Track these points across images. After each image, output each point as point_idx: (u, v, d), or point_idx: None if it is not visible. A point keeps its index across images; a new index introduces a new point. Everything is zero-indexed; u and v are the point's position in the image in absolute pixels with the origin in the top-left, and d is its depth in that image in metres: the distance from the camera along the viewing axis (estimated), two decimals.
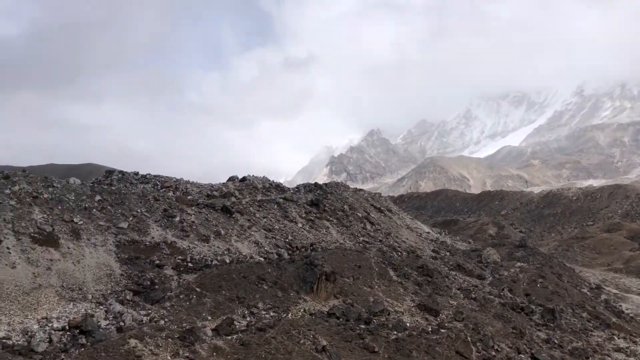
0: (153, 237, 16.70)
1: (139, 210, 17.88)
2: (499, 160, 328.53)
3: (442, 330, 14.47)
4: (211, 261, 16.67)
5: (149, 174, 23.76)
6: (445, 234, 37.76)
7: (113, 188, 19.38)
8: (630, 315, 22.38)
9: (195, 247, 17.29)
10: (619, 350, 16.89)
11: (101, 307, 12.81)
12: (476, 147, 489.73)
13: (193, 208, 20.21)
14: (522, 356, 14.69)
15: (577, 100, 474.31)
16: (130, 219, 17.12)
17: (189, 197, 21.55)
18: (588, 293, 24.57)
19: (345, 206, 28.07)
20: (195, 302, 13.59)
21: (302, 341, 11.72)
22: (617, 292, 28.04)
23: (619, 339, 18.30)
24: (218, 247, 18.06)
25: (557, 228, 55.47)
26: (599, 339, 17.85)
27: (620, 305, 24.06)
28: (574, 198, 62.18)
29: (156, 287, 14.29)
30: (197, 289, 14.19)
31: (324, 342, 11.88)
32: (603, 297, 24.89)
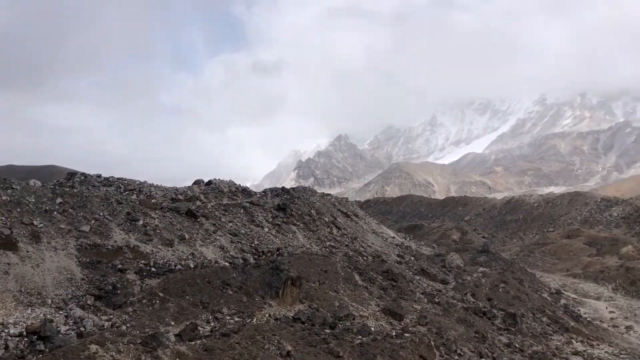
0: (115, 241, 16.41)
1: (101, 214, 17.55)
2: (463, 167, 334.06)
3: (406, 335, 14.58)
4: (175, 266, 16.46)
5: (112, 177, 23.36)
6: (410, 238, 38.09)
7: (75, 190, 18.97)
8: (588, 319, 22.95)
9: (158, 252, 17.04)
10: (576, 353, 17.28)
11: (61, 312, 12.52)
12: (441, 153, 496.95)
13: (157, 212, 19.93)
14: None
15: (539, 108, 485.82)
16: (92, 222, 16.79)
17: (152, 201, 21.25)
18: (548, 298, 25.09)
19: (312, 211, 28.09)
20: (158, 307, 13.39)
21: (266, 346, 11.65)
22: (576, 296, 28.73)
23: (576, 342, 18.73)
24: (182, 251, 17.84)
25: (518, 234, 56.42)
26: (558, 343, 18.25)
27: (579, 310, 24.65)
28: (535, 204, 63.40)
29: (118, 291, 14.04)
30: (160, 294, 13.99)
31: (289, 347, 11.83)
32: (562, 301, 25.46)
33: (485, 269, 26.09)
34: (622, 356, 17.66)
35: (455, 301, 20.44)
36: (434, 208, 78.21)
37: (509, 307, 20.54)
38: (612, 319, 24.27)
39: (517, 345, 16.78)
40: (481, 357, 14.97)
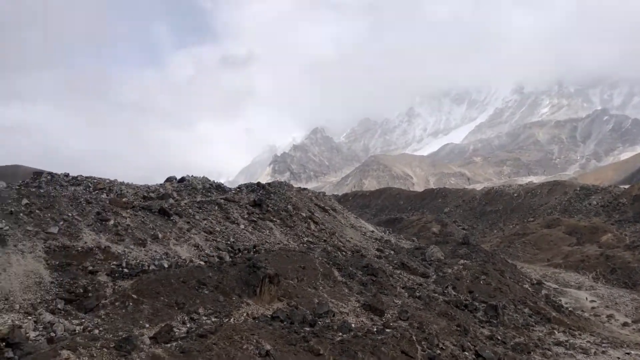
0: (85, 242, 15.89)
1: (70, 214, 16.98)
2: (441, 158, 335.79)
3: (387, 330, 14.37)
4: (148, 266, 16.01)
5: (81, 176, 22.74)
6: (389, 232, 38.02)
7: (42, 191, 18.37)
8: (569, 309, 22.96)
9: (131, 252, 16.56)
10: (558, 344, 17.24)
11: (30, 317, 12.09)
12: (419, 144, 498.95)
13: (128, 211, 19.39)
14: (467, 353, 14.76)
15: (517, 97, 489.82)
16: (61, 223, 16.23)
17: (123, 200, 20.69)
18: (529, 289, 25.10)
19: (288, 206, 27.74)
20: (131, 310, 12.99)
21: (245, 346, 11.35)
22: (557, 286, 28.82)
23: (558, 332, 18.71)
24: (155, 251, 17.38)
25: (498, 225, 56.62)
26: (540, 334, 18.21)
27: (560, 300, 24.68)
28: (515, 195, 63.65)
29: (90, 294, 13.63)
30: (133, 295, 13.57)
31: (268, 347, 11.55)
32: (544, 292, 25.49)
33: (466, 261, 26.01)
34: (603, 345, 17.66)
35: (436, 295, 20.31)
36: (413, 200, 78.35)
37: (490, 299, 20.47)
38: (593, 308, 24.33)
39: (499, 337, 16.69)
40: (463, 350, 14.82)
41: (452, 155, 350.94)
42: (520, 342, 16.60)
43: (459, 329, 16.40)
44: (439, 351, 14.26)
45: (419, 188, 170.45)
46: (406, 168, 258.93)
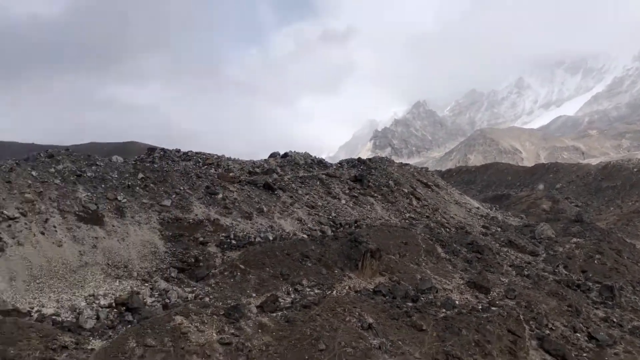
0: (196, 215, 16.70)
1: (181, 188, 17.90)
2: (553, 131, 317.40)
3: (493, 308, 13.97)
4: (254, 238, 16.57)
5: (191, 151, 23.81)
6: (496, 209, 36.74)
7: (155, 166, 19.48)
8: None
9: (238, 224, 17.21)
10: None
11: (147, 284, 12.93)
12: (529, 117, 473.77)
13: (235, 185, 20.11)
14: (578, 335, 14.08)
15: (639, 65, 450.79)
16: (173, 196, 17.15)
17: (231, 174, 21.48)
18: None
19: (390, 182, 27.52)
20: (239, 279, 13.53)
21: (347, 318, 11.46)
22: None
23: None
24: (261, 224, 17.94)
25: (616, 202, 53.01)
26: None
27: None
28: (635, 169, 59.21)
29: (200, 264, 14.34)
30: (241, 266, 14.12)
31: (370, 320, 11.59)
32: None
33: (578, 239, 24.64)
34: None
35: (546, 274, 19.47)
36: (522, 176, 74.96)
37: (605, 280, 19.32)
38: None
39: (615, 320, 15.72)
40: (575, 332, 14.13)
41: (565, 128, 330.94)
42: (639, 326, 15.53)
43: (570, 309, 15.63)
44: (548, 332, 13.69)
45: (528, 163, 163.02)
46: (515, 142, 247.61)
